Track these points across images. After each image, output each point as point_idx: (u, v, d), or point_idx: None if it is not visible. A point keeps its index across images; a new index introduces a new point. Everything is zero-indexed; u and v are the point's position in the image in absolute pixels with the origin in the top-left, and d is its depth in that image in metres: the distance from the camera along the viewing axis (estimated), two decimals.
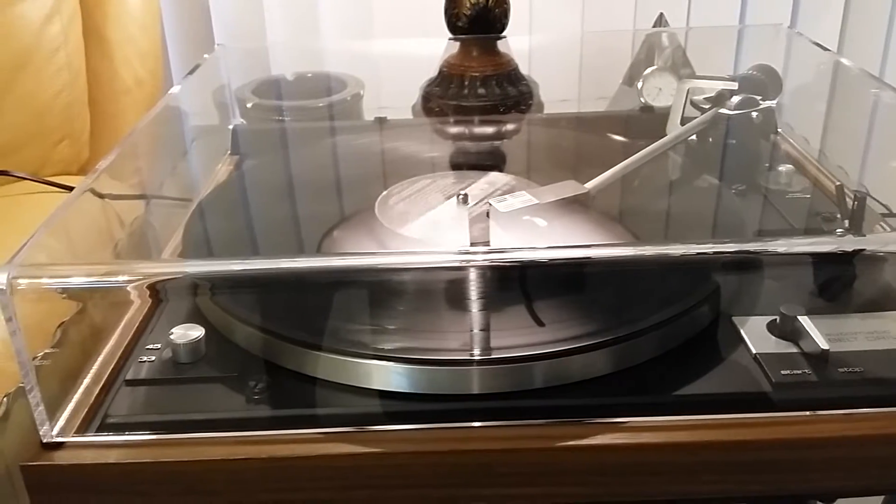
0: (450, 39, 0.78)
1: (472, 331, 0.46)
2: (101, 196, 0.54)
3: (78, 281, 0.42)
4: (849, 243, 0.46)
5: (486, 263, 0.44)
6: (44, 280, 0.42)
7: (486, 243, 0.51)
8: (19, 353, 0.41)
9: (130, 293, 0.45)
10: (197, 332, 0.46)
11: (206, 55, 0.81)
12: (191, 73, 0.75)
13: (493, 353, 0.44)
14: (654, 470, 0.42)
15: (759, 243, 0.46)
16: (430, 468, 0.42)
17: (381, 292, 0.48)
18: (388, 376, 0.44)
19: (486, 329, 0.46)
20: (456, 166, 0.69)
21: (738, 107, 0.64)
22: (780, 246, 0.44)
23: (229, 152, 0.77)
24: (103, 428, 0.43)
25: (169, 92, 0.71)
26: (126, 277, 0.42)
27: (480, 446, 0.42)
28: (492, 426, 0.43)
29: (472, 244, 0.52)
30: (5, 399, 0.53)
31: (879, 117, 0.67)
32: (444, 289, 0.49)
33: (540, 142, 0.76)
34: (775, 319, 0.47)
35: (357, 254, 0.52)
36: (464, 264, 0.45)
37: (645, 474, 0.42)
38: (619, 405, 0.43)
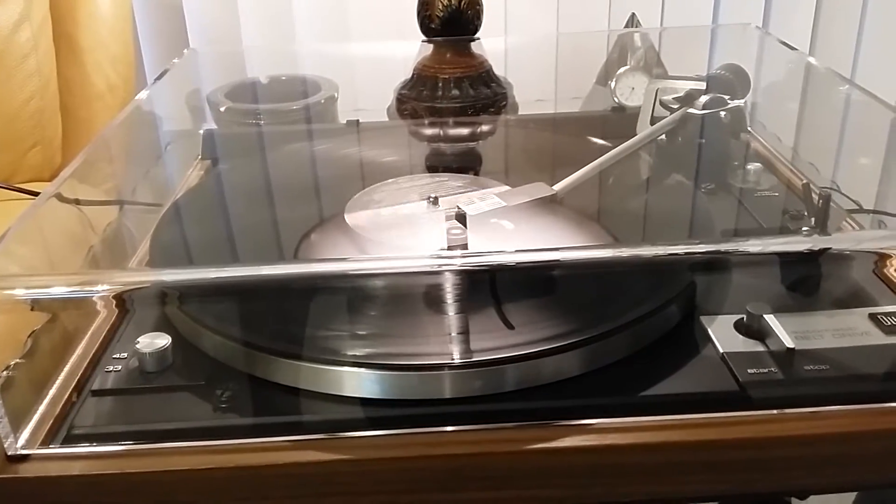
0: (423, 41, 0.78)
1: (440, 335, 0.46)
2: (68, 202, 0.54)
3: (50, 291, 0.42)
4: (818, 242, 0.46)
5: (460, 268, 0.44)
6: (15, 291, 0.41)
7: (465, 247, 0.51)
8: None
9: (97, 304, 0.44)
10: (163, 340, 0.46)
11: (175, 60, 0.80)
12: (159, 78, 0.75)
13: (462, 357, 0.44)
14: (624, 471, 0.42)
15: (731, 243, 0.46)
16: (402, 474, 0.42)
17: (350, 298, 0.47)
18: (357, 382, 0.44)
19: (455, 333, 0.46)
20: (430, 168, 0.69)
21: (706, 106, 0.64)
22: (752, 246, 0.45)
23: (200, 157, 0.76)
24: (69, 439, 0.42)
25: (136, 97, 0.70)
26: (102, 287, 0.42)
27: (451, 451, 0.42)
28: (462, 430, 0.42)
29: (450, 248, 0.52)
30: None
31: (847, 115, 0.67)
32: (415, 294, 0.49)
33: (514, 143, 0.76)
34: (742, 318, 0.47)
35: (323, 260, 0.52)
36: (439, 269, 0.44)
37: (614, 476, 0.42)
38: (588, 407, 0.43)
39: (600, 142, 0.69)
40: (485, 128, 0.75)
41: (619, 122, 0.77)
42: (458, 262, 0.44)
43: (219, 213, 0.61)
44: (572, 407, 0.43)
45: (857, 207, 0.60)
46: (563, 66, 0.95)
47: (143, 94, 0.70)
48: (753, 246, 0.45)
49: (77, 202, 0.56)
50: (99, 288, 0.42)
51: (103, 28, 0.94)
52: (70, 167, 0.54)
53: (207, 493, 0.41)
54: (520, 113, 0.79)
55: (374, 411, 0.43)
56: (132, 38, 1.00)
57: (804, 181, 0.55)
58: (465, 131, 0.75)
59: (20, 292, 0.41)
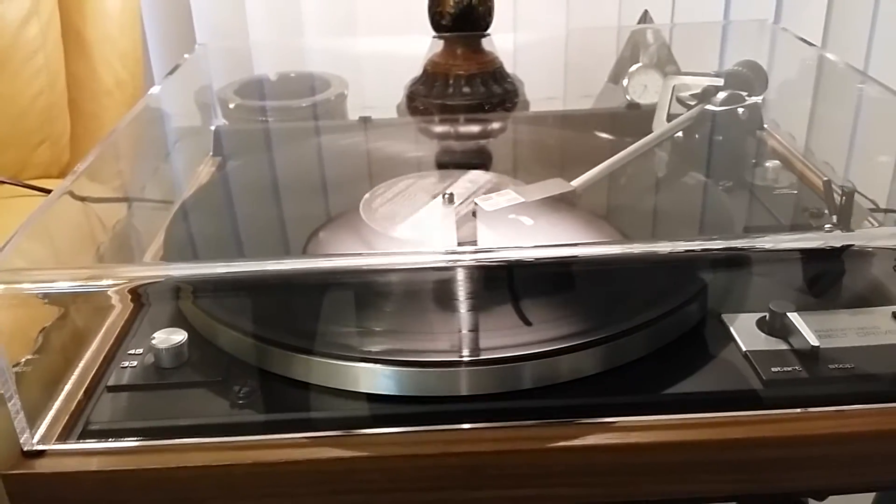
0: (434, 38, 0.78)
1: (459, 332, 0.46)
2: (80, 199, 0.53)
3: (58, 286, 0.41)
4: (837, 239, 0.46)
5: (474, 263, 0.43)
6: (23, 285, 0.41)
7: (474, 243, 0.51)
8: None
9: (112, 298, 0.44)
10: (179, 336, 0.45)
11: (186, 55, 0.80)
12: (171, 73, 0.74)
13: (481, 353, 0.44)
14: (645, 470, 0.42)
15: (747, 240, 0.46)
16: (420, 471, 0.41)
17: (367, 294, 0.47)
18: (375, 379, 0.43)
19: (473, 330, 0.46)
20: (441, 165, 0.69)
21: (723, 103, 0.64)
22: (768, 242, 0.44)
23: (211, 153, 0.76)
24: (85, 435, 0.42)
25: (149, 92, 0.70)
26: (108, 282, 0.42)
27: (470, 448, 0.41)
28: (481, 428, 0.42)
29: (460, 244, 0.51)
30: None
31: (865, 112, 0.67)
32: (431, 289, 0.48)
33: (526, 140, 0.75)
34: (765, 316, 0.47)
35: (342, 255, 0.51)
36: (451, 264, 0.44)
37: (636, 474, 0.42)
38: (610, 405, 0.43)
39: (609, 137, 0.69)
40: (497, 125, 0.75)
41: (632, 119, 0.76)
42: (469, 259, 0.43)
43: (236, 209, 0.61)
44: (594, 405, 0.43)
45: (875, 206, 0.60)
46: (574, 64, 0.95)
47: (155, 89, 0.70)
48: (769, 242, 0.44)
49: (87, 200, 0.55)
50: (107, 282, 0.41)
51: (111, 23, 0.94)
52: (83, 163, 0.54)
53: (224, 490, 0.41)
54: (531, 111, 0.79)
55: (393, 408, 0.43)
56: (140, 34, 1.00)
57: (825, 178, 0.54)
58: (476, 128, 0.74)
59: (30, 286, 0.41)
